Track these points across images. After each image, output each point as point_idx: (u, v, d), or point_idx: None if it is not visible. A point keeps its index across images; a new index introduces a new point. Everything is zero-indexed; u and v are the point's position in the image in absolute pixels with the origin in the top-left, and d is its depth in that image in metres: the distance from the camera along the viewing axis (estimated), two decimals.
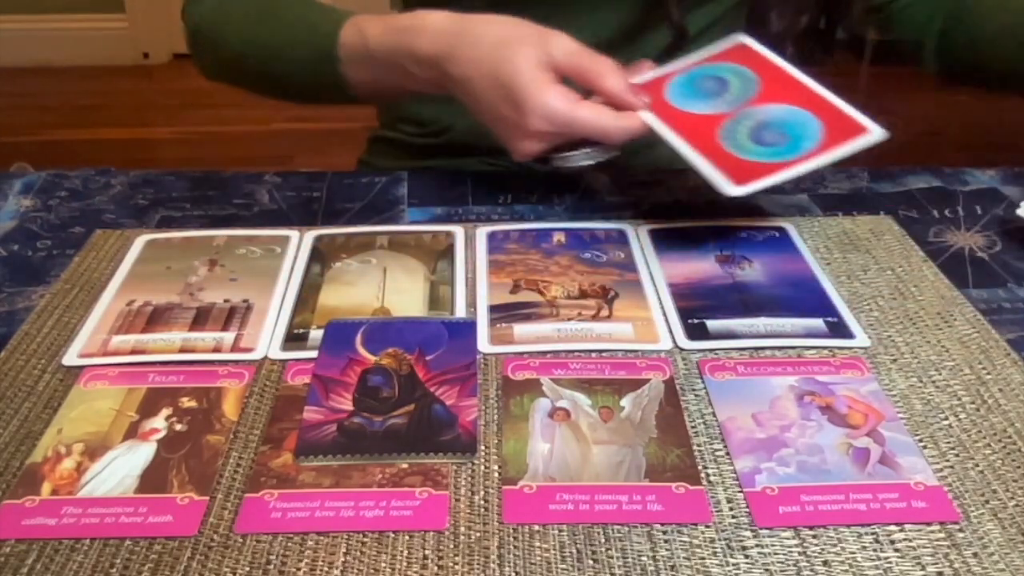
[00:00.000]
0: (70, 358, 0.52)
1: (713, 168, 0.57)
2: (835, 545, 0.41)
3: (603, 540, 0.41)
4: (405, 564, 0.40)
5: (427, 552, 0.41)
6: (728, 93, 0.61)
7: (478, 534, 0.41)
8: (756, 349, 0.53)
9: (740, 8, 0.78)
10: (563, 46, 0.59)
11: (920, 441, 0.47)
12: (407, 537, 0.41)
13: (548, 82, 0.58)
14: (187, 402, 0.49)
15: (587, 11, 0.75)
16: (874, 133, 0.57)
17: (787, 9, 0.74)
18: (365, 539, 0.41)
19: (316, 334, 0.54)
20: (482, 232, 0.65)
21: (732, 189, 0.56)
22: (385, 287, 0.59)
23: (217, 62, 0.76)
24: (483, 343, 0.54)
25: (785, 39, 0.73)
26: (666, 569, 0.40)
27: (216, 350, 0.53)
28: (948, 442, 0.47)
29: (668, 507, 0.43)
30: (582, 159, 0.62)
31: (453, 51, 0.61)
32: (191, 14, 0.77)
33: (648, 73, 0.64)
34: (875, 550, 0.41)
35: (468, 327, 0.55)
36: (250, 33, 0.72)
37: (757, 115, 0.60)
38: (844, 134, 0.57)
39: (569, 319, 0.56)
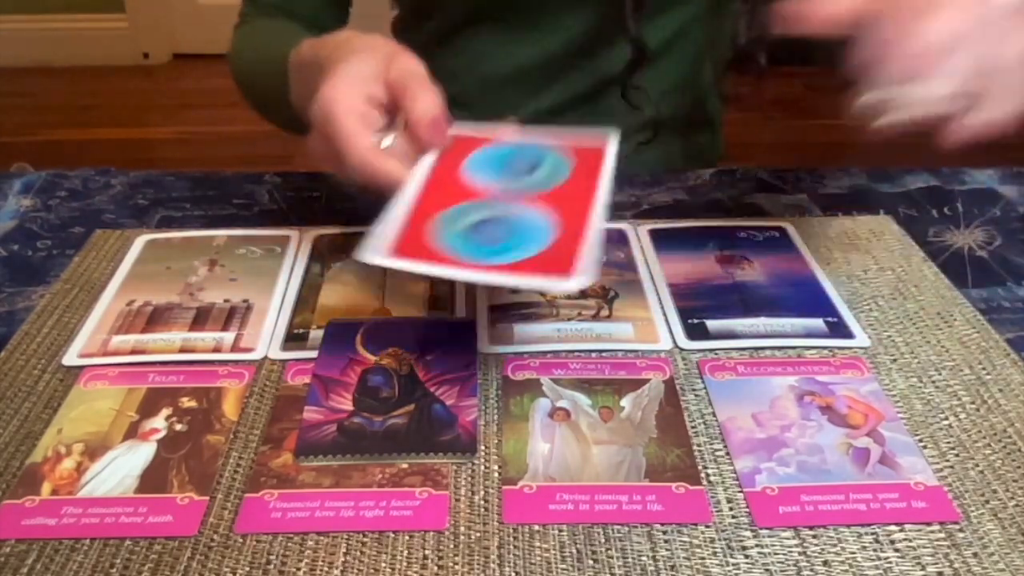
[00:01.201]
0: (70, 358, 0.52)
1: (389, 232, 0.49)
2: (835, 545, 0.41)
3: (603, 540, 0.41)
4: (405, 564, 0.40)
5: (427, 552, 0.41)
6: (523, 179, 0.54)
7: (478, 534, 0.41)
8: (756, 349, 0.53)
9: (700, 20, 0.78)
10: (403, 63, 0.54)
11: (920, 441, 0.47)
12: (407, 537, 0.41)
13: (353, 83, 0.52)
14: (187, 402, 0.49)
15: (548, 22, 0.75)
16: (568, 285, 0.47)
17: (751, 21, 0.73)
18: (365, 539, 0.41)
19: (316, 334, 0.54)
20: None
21: (371, 255, 0.48)
22: (385, 287, 0.59)
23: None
24: (483, 343, 0.54)
25: (755, 50, 0.73)
26: (666, 569, 0.40)
27: (216, 350, 0.53)
28: (948, 442, 0.47)
29: (668, 507, 0.43)
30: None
31: (331, 58, 0.56)
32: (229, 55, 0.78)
33: (478, 129, 0.56)
34: (875, 550, 0.41)
35: (468, 327, 0.55)
36: (244, 75, 0.74)
37: (509, 211, 0.51)
38: (550, 266, 0.48)
39: (569, 319, 0.56)
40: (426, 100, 0.53)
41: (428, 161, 0.53)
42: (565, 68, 0.77)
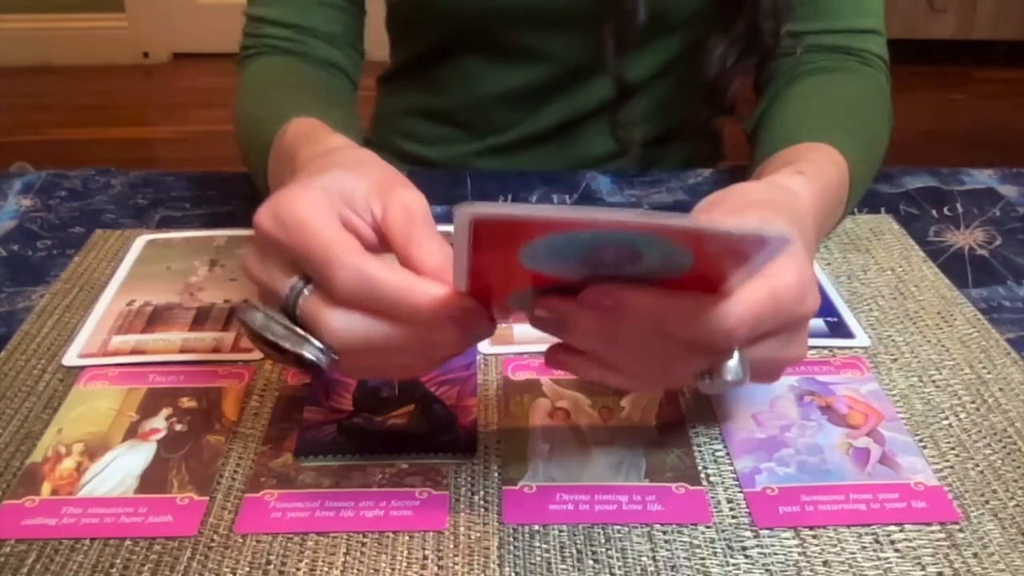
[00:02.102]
0: (70, 358, 0.52)
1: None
2: (835, 545, 0.41)
3: (603, 540, 0.41)
4: (405, 564, 0.40)
5: (427, 552, 0.41)
6: (617, 269, 0.36)
7: (478, 534, 0.41)
8: None
9: (684, 58, 0.76)
10: (404, 196, 0.41)
11: (920, 441, 0.47)
12: (407, 537, 0.41)
13: (327, 201, 0.40)
14: (187, 402, 0.49)
15: (535, 52, 0.74)
16: None
17: (723, 54, 0.69)
18: (365, 539, 0.41)
19: None
20: None
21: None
22: None
23: None
24: (483, 343, 0.54)
25: (725, 84, 0.71)
26: (666, 569, 0.40)
27: (216, 350, 0.53)
28: (948, 442, 0.47)
29: (668, 507, 0.43)
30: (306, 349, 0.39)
31: (306, 164, 0.47)
32: None
33: (514, 211, 0.33)
34: (875, 550, 0.41)
35: None
36: (240, 140, 0.67)
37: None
38: None
39: None
40: (440, 251, 0.39)
41: (462, 266, 0.35)
42: (557, 93, 0.76)
